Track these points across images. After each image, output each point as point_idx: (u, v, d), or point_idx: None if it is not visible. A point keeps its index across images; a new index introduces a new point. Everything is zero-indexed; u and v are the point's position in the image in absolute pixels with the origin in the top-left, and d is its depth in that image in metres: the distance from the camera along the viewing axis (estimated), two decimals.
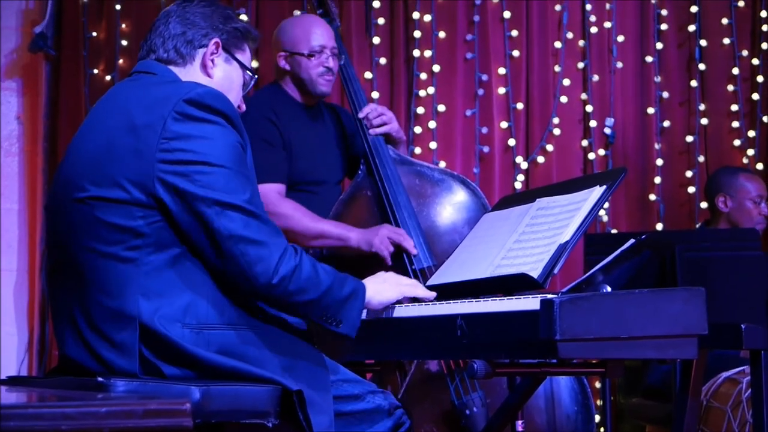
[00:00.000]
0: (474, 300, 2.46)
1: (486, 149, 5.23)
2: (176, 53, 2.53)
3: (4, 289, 4.90)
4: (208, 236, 2.29)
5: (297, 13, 4.97)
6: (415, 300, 2.61)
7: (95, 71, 4.97)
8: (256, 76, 2.71)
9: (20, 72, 5.01)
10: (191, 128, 2.32)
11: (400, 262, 3.72)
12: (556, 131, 5.35)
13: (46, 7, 4.93)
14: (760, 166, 5.44)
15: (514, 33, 5.32)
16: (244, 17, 4.93)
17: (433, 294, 2.62)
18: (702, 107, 5.51)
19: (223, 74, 2.56)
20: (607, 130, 5.40)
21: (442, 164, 5.07)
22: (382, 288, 2.53)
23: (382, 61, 5.18)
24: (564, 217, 2.60)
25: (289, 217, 3.72)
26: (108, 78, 4.96)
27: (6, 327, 4.89)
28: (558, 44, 5.38)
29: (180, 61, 2.53)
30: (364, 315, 2.52)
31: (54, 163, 4.87)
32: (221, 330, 2.33)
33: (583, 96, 5.42)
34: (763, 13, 5.52)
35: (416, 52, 5.19)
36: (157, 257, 2.31)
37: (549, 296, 2.18)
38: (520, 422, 3.34)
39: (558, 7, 5.40)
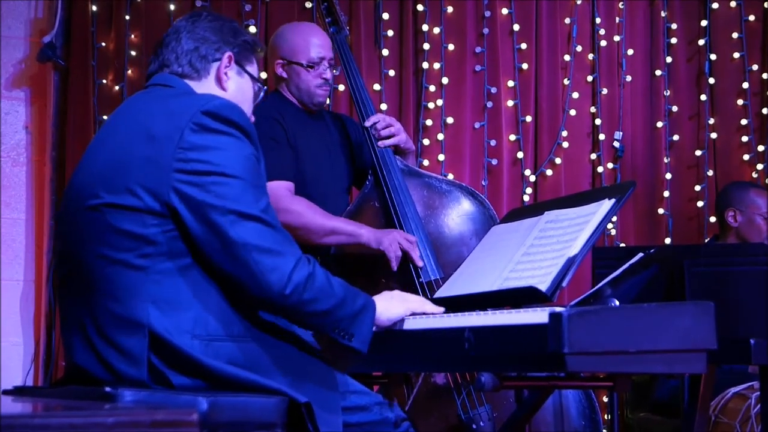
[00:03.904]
0: (482, 313, 2.45)
1: (494, 162, 5.23)
2: (191, 68, 2.56)
3: (10, 299, 4.90)
4: (222, 245, 2.30)
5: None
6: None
7: (104, 81, 4.97)
8: (265, 87, 2.74)
9: (28, 81, 5.01)
10: (208, 139, 2.33)
11: (407, 275, 3.71)
12: (565, 144, 5.35)
13: (55, 17, 4.94)
14: None
15: (524, 46, 5.32)
16: (252, 29, 4.95)
17: (441, 309, 2.61)
18: (711, 121, 5.50)
19: (236, 87, 2.60)
20: (616, 144, 5.39)
21: (450, 176, 5.06)
22: (390, 305, 2.54)
23: (391, 72, 5.18)
24: (573, 230, 2.59)
25: (302, 213, 3.71)
26: (116, 88, 4.96)
27: (12, 337, 4.88)
28: (567, 57, 5.38)
29: (195, 75, 2.57)
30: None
31: (62, 173, 4.87)
32: (230, 342, 2.33)
33: (592, 109, 5.41)
34: None
35: (425, 64, 5.19)
36: (168, 266, 2.31)
37: (557, 309, 2.17)
38: None
39: (567, 21, 5.40)
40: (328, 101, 4.94)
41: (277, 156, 3.75)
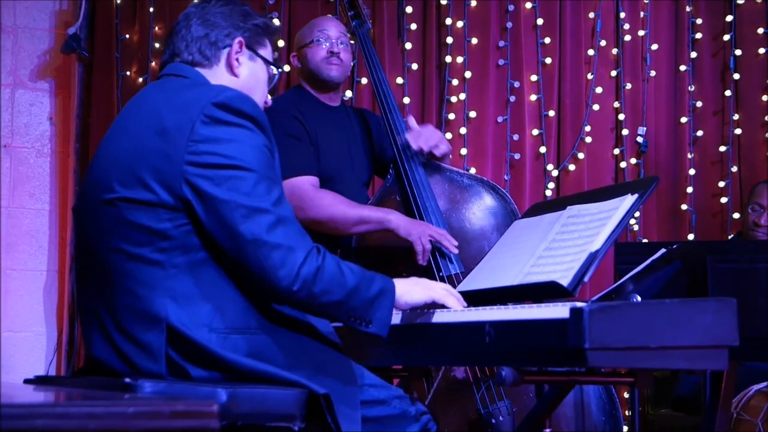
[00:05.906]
0: (503, 307, 2.44)
1: (517, 156, 5.22)
2: (201, 55, 2.53)
3: (34, 289, 4.93)
4: (232, 240, 2.27)
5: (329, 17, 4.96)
6: (443, 307, 2.58)
7: (128, 73, 4.99)
8: (280, 70, 2.70)
9: (53, 73, 5.04)
10: (219, 131, 2.31)
11: (428, 269, 3.70)
12: (588, 139, 5.33)
13: (79, 9, 4.96)
14: None
15: (547, 40, 5.31)
16: (276, 21, 4.95)
17: (463, 305, 2.59)
18: (736, 117, 5.48)
19: (249, 72, 2.57)
20: (640, 139, 5.37)
21: (473, 170, 5.05)
22: (412, 289, 2.50)
23: (414, 66, 5.18)
24: (595, 225, 2.58)
25: (329, 205, 3.71)
26: (140, 80, 4.97)
27: (35, 327, 4.91)
28: (591, 52, 5.37)
29: (206, 62, 2.53)
30: (395, 319, 2.50)
31: (86, 164, 4.88)
32: (248, 334, 2.32)
33: (616, 104, 5.39)
34: None
35: (448, 58, 5.18)
36: (184, 260, 2.30)
37: (579, 304, 2.16)
38: (547, 431, 3.31)
39: (592, 15, 5.38)
40: (350, 94, 4.95)
41: (299, 152, 3.75)
